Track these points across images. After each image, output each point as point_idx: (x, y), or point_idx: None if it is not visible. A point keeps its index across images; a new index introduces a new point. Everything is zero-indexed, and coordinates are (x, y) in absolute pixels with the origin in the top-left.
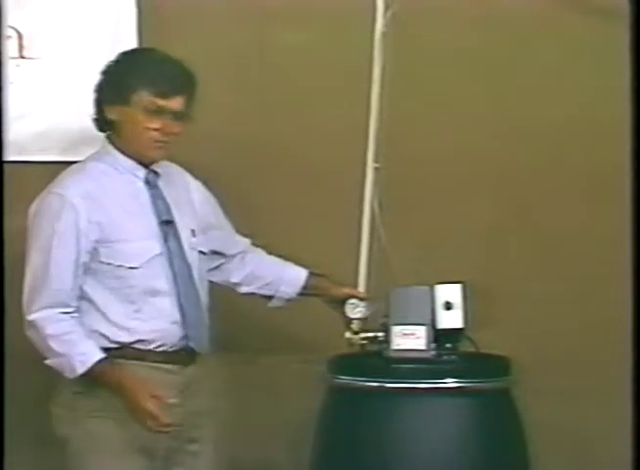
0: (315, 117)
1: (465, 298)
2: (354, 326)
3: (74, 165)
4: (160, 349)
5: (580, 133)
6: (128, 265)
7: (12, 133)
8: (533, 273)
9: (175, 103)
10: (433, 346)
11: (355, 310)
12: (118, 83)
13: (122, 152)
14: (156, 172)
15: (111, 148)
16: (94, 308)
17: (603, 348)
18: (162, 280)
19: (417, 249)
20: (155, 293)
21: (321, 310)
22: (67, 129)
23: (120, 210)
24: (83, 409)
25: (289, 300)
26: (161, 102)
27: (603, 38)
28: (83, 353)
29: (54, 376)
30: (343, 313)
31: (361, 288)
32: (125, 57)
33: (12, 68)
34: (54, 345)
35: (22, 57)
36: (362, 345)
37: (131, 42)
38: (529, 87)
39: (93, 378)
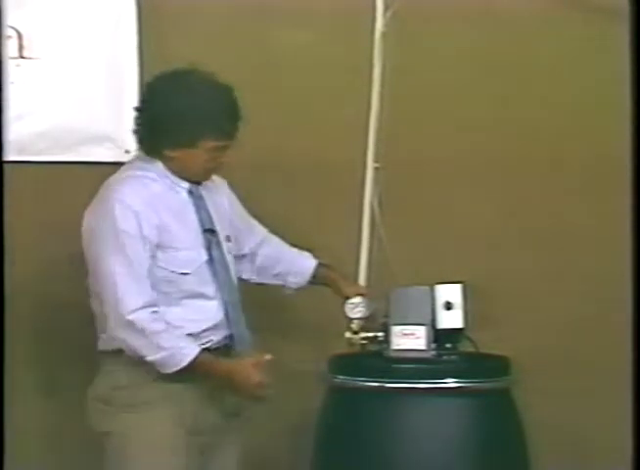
0: (315, 116)
1: (465, 298)
2: (354, 326)
3: (123, 173)
4: (207, 345)
5: (581, 133)
6: (180, 271)
7: (11, 133)
8: (534, 273)
9: (235, 136)
10: (433, 346)
11: (355, 310)
12: (187, 131)
13: (171, 171)
14: (197, 182)
15: (160, 164)
16: None
17: (603, 348)
18: (209, 286)
19: (417, 249)
20: (202, 297)
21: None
22: (66, 129)
23: (172, 217)
24: (121, 403)
25: (298, 288)
26: (227, 142)
27: (603, 37)
28: (184, 347)
29: (92, 371)
30: (343, 313)
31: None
32: (186, 96)
33: (12, 68)
34: (161, 341)
35: (22, 57)
36: (362, 345)
37: (131, 42)
38: (529, 87)
39: (191, 369)
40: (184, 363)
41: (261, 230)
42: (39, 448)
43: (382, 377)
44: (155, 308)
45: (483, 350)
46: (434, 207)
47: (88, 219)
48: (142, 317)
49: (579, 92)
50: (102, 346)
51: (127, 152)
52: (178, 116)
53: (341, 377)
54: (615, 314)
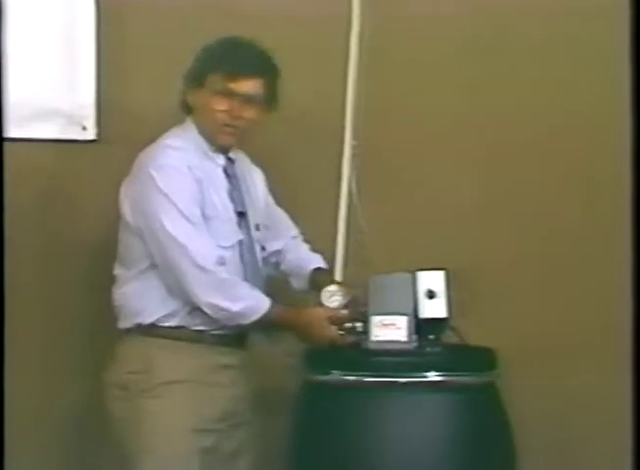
0: (291, 93)
1: (449, 285)
2: None
3: (159, 142)
4: (219, 332)
5: (571, 113)
6: (221, 244)
7: None
8: (522, 259)
9: (245, 86)
10: (414, 337)
11: (332, 299)
12: (196, 67)
13: (202, 136)
14: (232, 160)
15: (194, 130)
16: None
17: (594, 340)
18: (238, 268)
19: (397, 233)
20: None
21: None
22: (20, 105)
23: (211, 188)
24: (137, 389)
25: (302, 291)
26: (231, 84)
27: (603, 36)
28: (260, 296)
29: (108, 356)
30: (319, 303)
31: (338, 274)
32: (211, 43)
33: None
34: (241, 290)
35: None
36: (339, 336)
37: (88, 14)
38: (513, 69)
39: (266, 319)
40: (263, 311)
41: (288, 234)
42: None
43: (360, 371)
44: (224, 263)
45: (468, 341)
46: (415, 190)
47: (130, 193)
48: (219, 269)
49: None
50: (121, 324)
51: (84, 129)
52: (196, 58)
53: (316, 371)
54: (608, 305)
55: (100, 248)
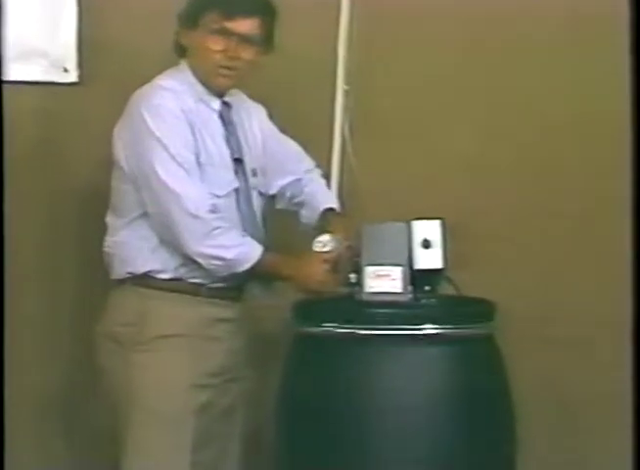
0: (283, 36)
1: (445, 235)
2: None
3: (152, 83)
4: (216, 284)
5: (571, 68)
6: (215, 192)
7: None
8: (520, 209)
9: (242, 25)
10: (409, 288)
11: (324, 249)
12: (190, 6)
13: (197, 79)
14: (228, 104)
15: (188, 73)
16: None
17: (596, 292)
18: (233, 217)
19: (391, 180)
20: None
21: None
22: None
23: (206, 133)
24: (131, 341)
25: (308, 225)
26: (227, 23)
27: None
28: (251, 242)
29: (99, 304)
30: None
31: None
32: None
33: None
34: (234, 237)
35: None
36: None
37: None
38: (514, 22)
39: (258, 267)
40: (256, 257)
41: (298, 170)
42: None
43: (353, 323)
44: (217, 210)
45: (465, 292)
46: (412, 139)
47: (122, 135)
48: (211, 217)
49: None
50: (114, 274)
51: (66, 71)
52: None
53: (307, 323)
54: (606, 254)
55: (89, 195)
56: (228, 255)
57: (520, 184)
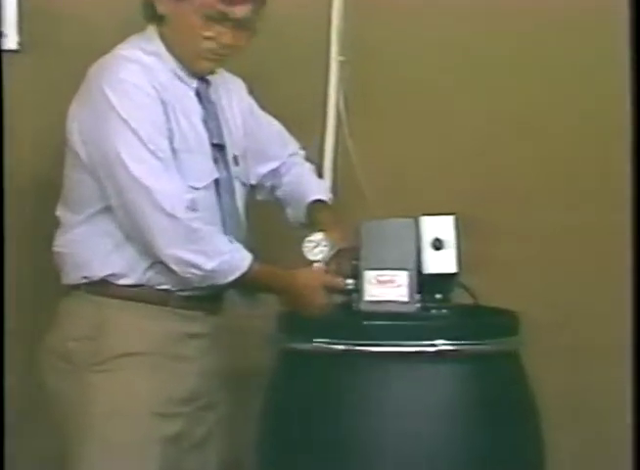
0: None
1: (459, 234)
2: None
3: (116, 51)
4: (189, 293)
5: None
6: (190, 184)
7: None
8: (542, 202)
9: (240, 10)
10: (417, 296)
11: (315, 251)
12: None
13: (171, 53)
14: (206, 81)
15: (158, 42)
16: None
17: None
18: (214, 214)
19: (396, 168)
20: None
21: None
22: None
23: (181, 115)
24: (84, 360)
25: (297, 223)
26: (224, 7)
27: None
28: (240, 249)
29: (50, 319)
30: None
31: None
32: None
33: None
34: (218, 242)
35: None
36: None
37: None
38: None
39: (248, 278)
40: (243, 269)
41: (280, 154)
42: None
43: (350, 338)
44: (196, 208)
45: (484, 301)
46: (417, 113)
47: (79, 115)
48: (190, 217)
49: None
50: (67, 279)
51: (4, 36)
52: None
53: (296, 338)
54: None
55: (33, 182)
56: (209, 264)
57: (541, 170)
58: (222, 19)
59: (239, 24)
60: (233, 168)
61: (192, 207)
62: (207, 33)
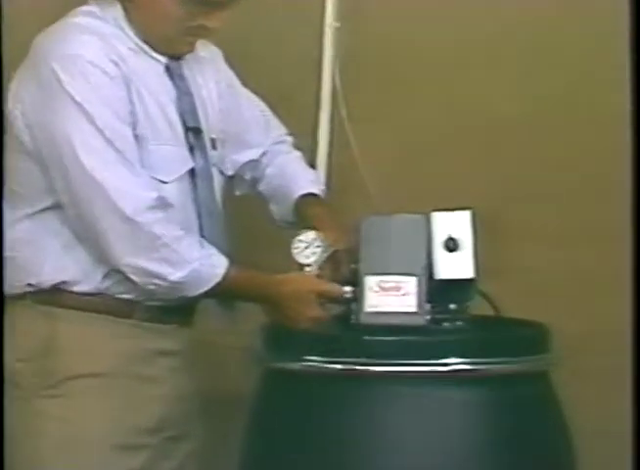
0: None
1: (476, 233)
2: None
3: (68, 19)
4: (157, 303)
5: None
6: (158, 177)
7: None
8: (560, 190)
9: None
10: (427, 307)
11: (307, 252)
12: None
13: (135, 31)
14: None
15: (119, 14)
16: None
17: None
18: (188, 210)
19: (402, 152)
20: None
21: None
22: None
23: (148, 96)
24: (32, 384)
25: (284, 221)
26: None
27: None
28: (213, 254)
29: None
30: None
31: None
32: None
33: None
34: (186, 249)
35: None
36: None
37: None
38: None
39: (224, 288)
40: (216, 279)
41: (263, 141)
42: None
43: (348, 356)
44: (163, 208)
45: (506, 312)
46: (422, 84)
47: (23, 95)
48: (154, 219)
49: None
50: (9, 286)
51: None
52: None
53: (283, 356)
54: None
55: None
56: (175, 274)
57: (567, 160)
58: (206, 3)
59: (222, 6)
60: (210, 153)
61: (157, 206)
62: (191, 22)
